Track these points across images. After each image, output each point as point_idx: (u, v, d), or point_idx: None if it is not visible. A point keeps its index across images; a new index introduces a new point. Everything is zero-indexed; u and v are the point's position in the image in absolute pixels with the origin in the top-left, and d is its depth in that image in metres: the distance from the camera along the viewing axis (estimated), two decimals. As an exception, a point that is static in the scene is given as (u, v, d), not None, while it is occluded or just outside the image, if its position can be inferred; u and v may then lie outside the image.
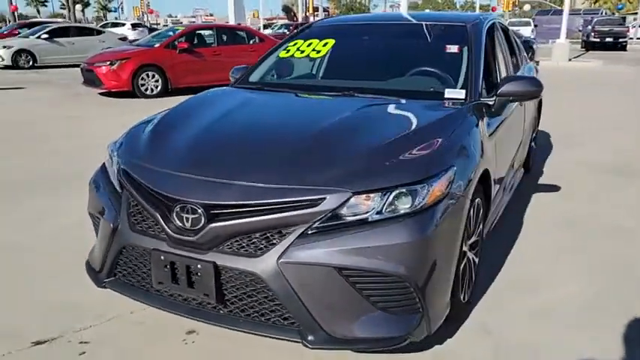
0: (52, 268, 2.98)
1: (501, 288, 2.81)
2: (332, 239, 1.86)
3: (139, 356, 2.22)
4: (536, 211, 3.96)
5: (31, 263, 3.05)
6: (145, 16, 57.78)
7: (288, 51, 3.51)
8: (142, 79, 9.94)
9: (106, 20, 45.45)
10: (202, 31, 11.47)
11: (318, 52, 3.38)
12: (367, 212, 1.91)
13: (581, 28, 29.34)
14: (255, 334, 1.97)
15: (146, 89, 10.03)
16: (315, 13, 49.52)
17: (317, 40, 3.48)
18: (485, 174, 2.57)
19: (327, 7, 55.55)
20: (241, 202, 1.91)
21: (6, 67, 15.75)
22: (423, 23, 3.53)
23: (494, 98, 2.91)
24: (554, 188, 4.51)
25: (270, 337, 1.95)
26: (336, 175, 1.96)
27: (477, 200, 2.44)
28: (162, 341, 2.31)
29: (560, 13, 23.42)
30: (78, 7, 59.17)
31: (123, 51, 10.53)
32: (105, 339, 2.32)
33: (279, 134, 2.39)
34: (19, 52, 15.90)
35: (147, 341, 2.31)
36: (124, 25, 31.61)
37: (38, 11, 70.38)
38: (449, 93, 2.81)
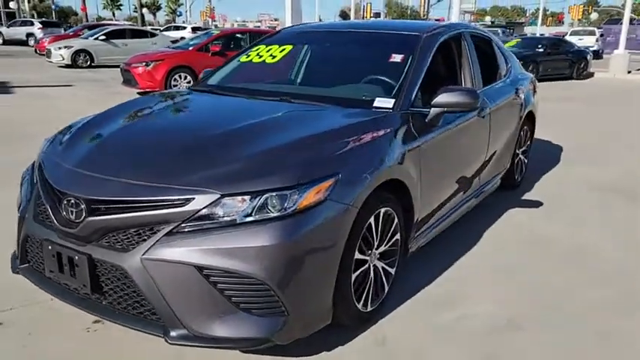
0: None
1: (420, 302, 2.76)
2: (195, 239, 1.92)
3: (38, 339, 2.36)
4: (502, 228, 3.83)
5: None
6: (210, 20, 59.73)
7: (249, 56, 3.60)
8: (175, 80, 10.37)
9: (175, 23, 47.44)
10: (238, 35, 11.81)
11: (274, 57, 3.45)
12: (236, 214, 1.96)
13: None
14: (127, 327, 2.06)
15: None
16: (373, 18, 49.50)
17: (277, 46, 3.56)
18: (399, 185, 2.55)
19: (378, 12, 55.35)
20: (116, 198, 2.01)
21: (66, 66, 16.81)
22: (381, 32, 3.53)
23: (429, 109, 2.86)
24: (535, 205, 4.34)
25: (138, 330, 2.03)
26: (208, 177, 2.02)
27: (383, 210, 2.43)
28: (68, 328, 2.43)
29: (630, 22, 22.16)
30: (146, 10, 61.88)
31: (159, 53, 11.01)
32: (17, 321, 2.48)
33: (177, 136, 2.47)
34: (78, 52, 16.92)
35: (53, 327, 2.45)
36: (184, 28, 32.93)
37: (113, 14, 74.35)
38: (378, 102, 2.80)
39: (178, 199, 1.95)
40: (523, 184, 4.85)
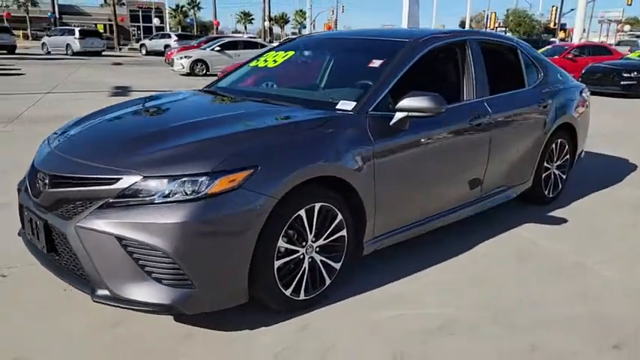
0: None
1: (364, 299, 2.82)
2: (119, 213, 2.23)
3: (23, 291, 2.82)
4: (500, 240, 3.69)
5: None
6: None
7: (258, 61, 3.91)
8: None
9: (293, 35, 49.80)
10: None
11: (275, 62, 3.71)
12: (155, 194, 2.24)
13: None
14: (70, 285, 2.43)
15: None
16: (497, 27, 47.61)
17: (282, 52, 3.82)
18: (345, 183, 2.66)
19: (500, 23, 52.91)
20: (66, 174, 2.40)
21: (186, 74, 18.55)
22: (377, 39, 3.64)
23: (394, 113, 2.92)
24: (559, 222, 4.09)
25: (76, 288, 2.39)
26: (137, 161, 2.33)
27: (318, 205, 2.56)
28: (50, 284, 2.87)
29: None
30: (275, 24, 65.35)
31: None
32: (12, 275, 2.98)
33: (134, 129, 2.84)
34: (195, 62, 18.60)
35: (39, 283, 2.88)
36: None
37: (245, 27, 79.76)
38: (341, 104, 2.93)
39: (110, 178, 2.29)
40: (560, 200, 4.57)
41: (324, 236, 2.68)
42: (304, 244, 2.60)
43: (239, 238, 2.30)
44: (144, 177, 2.25)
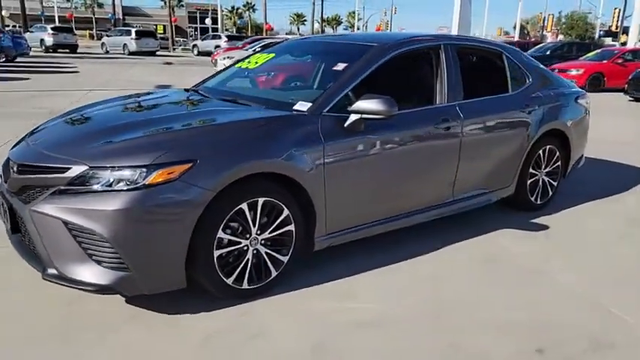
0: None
1: (312, 292, 2.95)
2: (67, 199, 2.45)
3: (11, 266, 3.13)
4: (471, 243, 3.72)
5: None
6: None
7: (244, 62, 4.10)
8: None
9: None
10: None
11: (257, 64, 3.89)
12: (99, 183, 2.45)
13: None
14: (28, 263, 2.68)
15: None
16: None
17: (265, 55, 4.00)
18: (291, 180, 2.80)
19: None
20: (28, 162, 2.66)
21: (229, 74, 19.12)
22: (352, 43, 3.75)
23: (349, 115, 3.04)
24: (539, 228, 4.05)
25: (30, 265, 2.64)
26: (86, 153, 2.56)
27: (262, 200, 2.72)
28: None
29: None
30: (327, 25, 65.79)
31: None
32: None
33: (98, 123, 3.08)
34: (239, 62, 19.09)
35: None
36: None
37: (298, 29, 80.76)
38: (298, 105, 3.07)
39: (62, 167, 2.52)
40: (553, 207, 4.50)
41: (270, 230, 2.83)
42: (248, 236, 2.76)
43: (175, 227, 2.48)
44: (90, 167, 2.48)
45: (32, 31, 30.98)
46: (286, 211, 2.85)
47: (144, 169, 2.44)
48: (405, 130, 3.32)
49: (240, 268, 2.76)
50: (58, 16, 52.69)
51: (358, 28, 79.49)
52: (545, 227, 4.07)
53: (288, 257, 2.94)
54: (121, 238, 2.40)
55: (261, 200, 2.73)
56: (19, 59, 20.50)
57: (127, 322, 2.61)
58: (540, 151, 4.31)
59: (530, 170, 4.28)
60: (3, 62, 18.67)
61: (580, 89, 4.86)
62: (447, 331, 2.61)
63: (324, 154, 2.93)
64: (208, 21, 51.64)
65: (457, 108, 3.62)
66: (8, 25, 43.43)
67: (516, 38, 43.05)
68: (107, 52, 30.81)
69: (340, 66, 3.34)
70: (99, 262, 2.46)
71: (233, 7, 70.59)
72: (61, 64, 19.95)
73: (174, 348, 2.41)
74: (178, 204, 2.46)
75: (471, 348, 2.47)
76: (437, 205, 3.69)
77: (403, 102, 3.42)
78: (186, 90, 3.94)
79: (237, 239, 2.72)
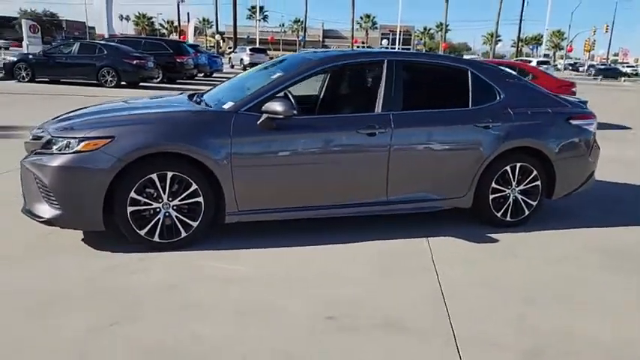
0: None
1: (212, 254, 3.64)
2: (37, 157, 3.53)
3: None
4: (401, 246, 3.97)
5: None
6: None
7: (247, 71, 4.97)
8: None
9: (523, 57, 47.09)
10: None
11: (246, 74, 4.71)
12: (53, 148, 3.51)
13: None
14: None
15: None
16: None
17: (258, 67, 4.80)
18: (199, 164, 3.57)
19: None
20: (34, 133, 3.89)
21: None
22: (305, 57, 4.34)
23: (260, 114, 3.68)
24: (489, 241, 4.07)
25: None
26: (53, 127, 3.67)
27: (171, 173, 3.53)
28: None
29: None
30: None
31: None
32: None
33: (83, 113, 4.13)
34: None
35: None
36: (529, 62, 32.62)
37: (492, 49, 77.78)
38: (225, 104, 3.82)
39: (40, 136, 3.69)
40: (532, 226, 4.40)
41: (180, 198, 3.63)
42: (160, 200, 3.60)
43: (93, 184, 3.43)
44: (52, 137, 3.59)
45: (236, 52, 36.21)
46: (194, 185, 3.61)
47: (76, 140, 3.47)
48: (321, 131, 3.82)
49: (152, 225, 3.61)
50: (259, 39, 60.32)
51: (561, 48, 73.57)
52: (494, 241, 4.08)
53: (197, 223, 3.69)
54: (57, 186, 3.45)
55: (170, 174, 3.55)
56: (215, 74, 24.47)
57: (66, 250, 3.62)
58: (508, 168, 4.28)
59: (494, 185, 4.28)
60: (202, 77, 22.53)
61: (577, 110, 4.58)
62: (281, 296, 3.09)
63: (232, 145, 3.62)
64: (385, 42, 53.70)
65: (390, 117, 3.95)
66: (219, 47, 51.55)
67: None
68: (232, 67, 34.52)
69: (275, 75, 3.99)
70: (48, 203, 3.55)
71: (425, 28, 71.57)
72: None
73: (80, 271, 3.34)
74: (96, 167, 3.42)
75: (290, 306, 2.94)
76: (369, 203, 4.05)
77: (331, 108, 3.91)
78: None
79: (150, 202, 3.58)
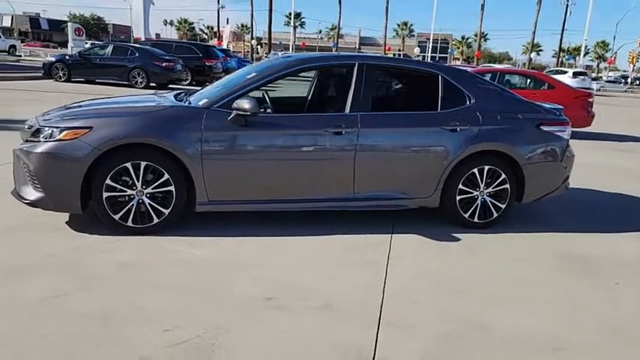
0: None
1: (180, 240, 3.90)
2: (27, 145, 3.89)
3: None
4: (349, 239, 4.14)
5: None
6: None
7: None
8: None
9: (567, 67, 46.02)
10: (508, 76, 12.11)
11: (239, 72, 4.98)
12: (40, 136, 3.84)
13: None
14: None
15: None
16: None
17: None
18: (172, 155, 3.84)
19: None
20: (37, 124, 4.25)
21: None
22: (286, 59, 4.57)
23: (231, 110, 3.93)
24: (450, 240, 4.19)
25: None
26: (43, 118, 4.02)
27: (144, 163, 3.81)
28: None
29: None
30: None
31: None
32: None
33: (91, 105, 4.48)
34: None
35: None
36: (565, 72, 32.03)
37: (530, 59, 76.32)
38: (201, 101, 4.09)
39: (31, 126, 4.04)
40: (495, 230, 4.50)
41: (153, 187, 3.91)
42: (134, 188, 3.89)
43: (71, 169, 3.73)
44: (40, 126, 3.94)
45: (268, 57, 36.87)
46: (166, 175, 3.89)
47: (58, 130, 3.80)
48: (290, 129, 4.04)
49: (126, 210, 3.90)
50: (294, 45, 61.49)
51: (604, 60, 71.53)
52: (455, 240, 4.20)
53: (169, 210, 3.96)
54: (40, 171, 3.78)
55: (143, 163, 3.84)
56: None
57: (46, 229, 3.96)
58: (476, 170, 4.39)
59: (461, 187, 4.40)
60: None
61: (549, 117, 4.64)
62: (231, 278, 3.32)
63: (202, 139, 3.88)
64: (416, 49, 53.67)
65: (358, 118, 4.13)
66: (256, 52, 52.99)
67: None
68: None
69: (250, 75, 4.24)
70: (33, 186, 3.88)
71: (463, 37, 70.96)
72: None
73: (52, 248, 3.65)
74: (75, 154, 3.73)
75: (237, 286, 3.16)
76: (337, 199, 4.24)
77: (304, 108, 4.10)
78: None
79: (125, 189, 3.88)
